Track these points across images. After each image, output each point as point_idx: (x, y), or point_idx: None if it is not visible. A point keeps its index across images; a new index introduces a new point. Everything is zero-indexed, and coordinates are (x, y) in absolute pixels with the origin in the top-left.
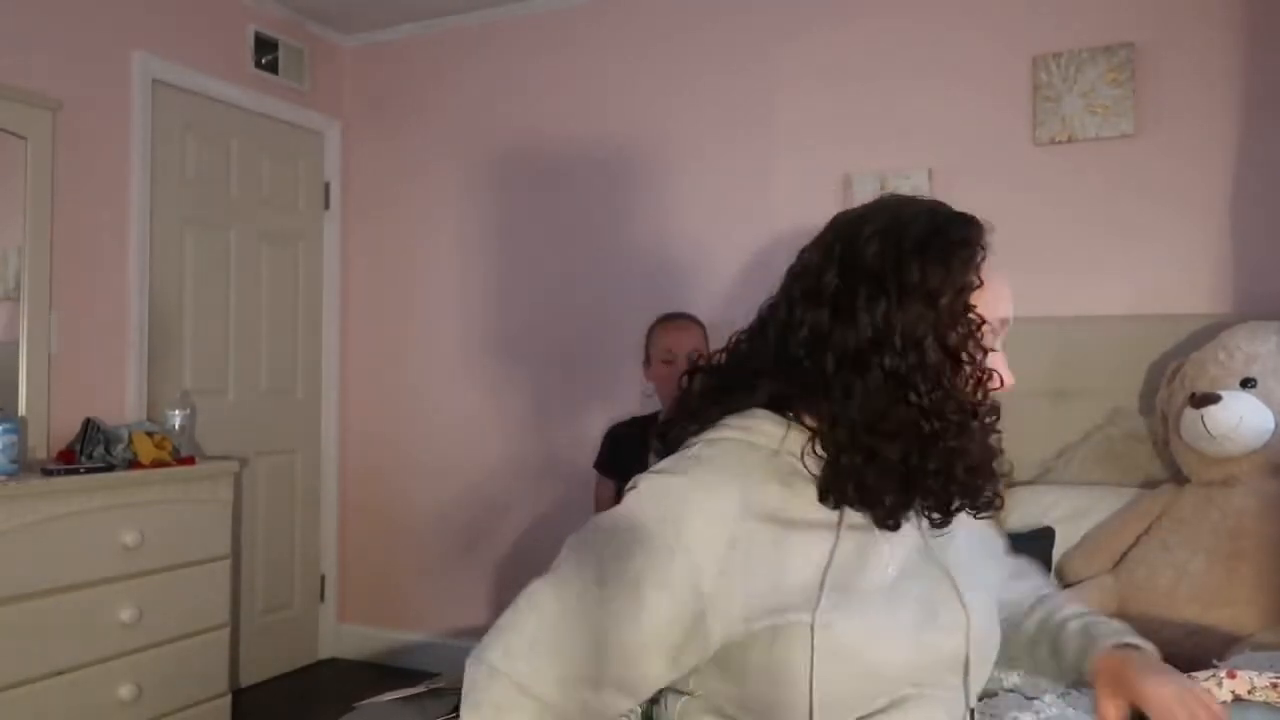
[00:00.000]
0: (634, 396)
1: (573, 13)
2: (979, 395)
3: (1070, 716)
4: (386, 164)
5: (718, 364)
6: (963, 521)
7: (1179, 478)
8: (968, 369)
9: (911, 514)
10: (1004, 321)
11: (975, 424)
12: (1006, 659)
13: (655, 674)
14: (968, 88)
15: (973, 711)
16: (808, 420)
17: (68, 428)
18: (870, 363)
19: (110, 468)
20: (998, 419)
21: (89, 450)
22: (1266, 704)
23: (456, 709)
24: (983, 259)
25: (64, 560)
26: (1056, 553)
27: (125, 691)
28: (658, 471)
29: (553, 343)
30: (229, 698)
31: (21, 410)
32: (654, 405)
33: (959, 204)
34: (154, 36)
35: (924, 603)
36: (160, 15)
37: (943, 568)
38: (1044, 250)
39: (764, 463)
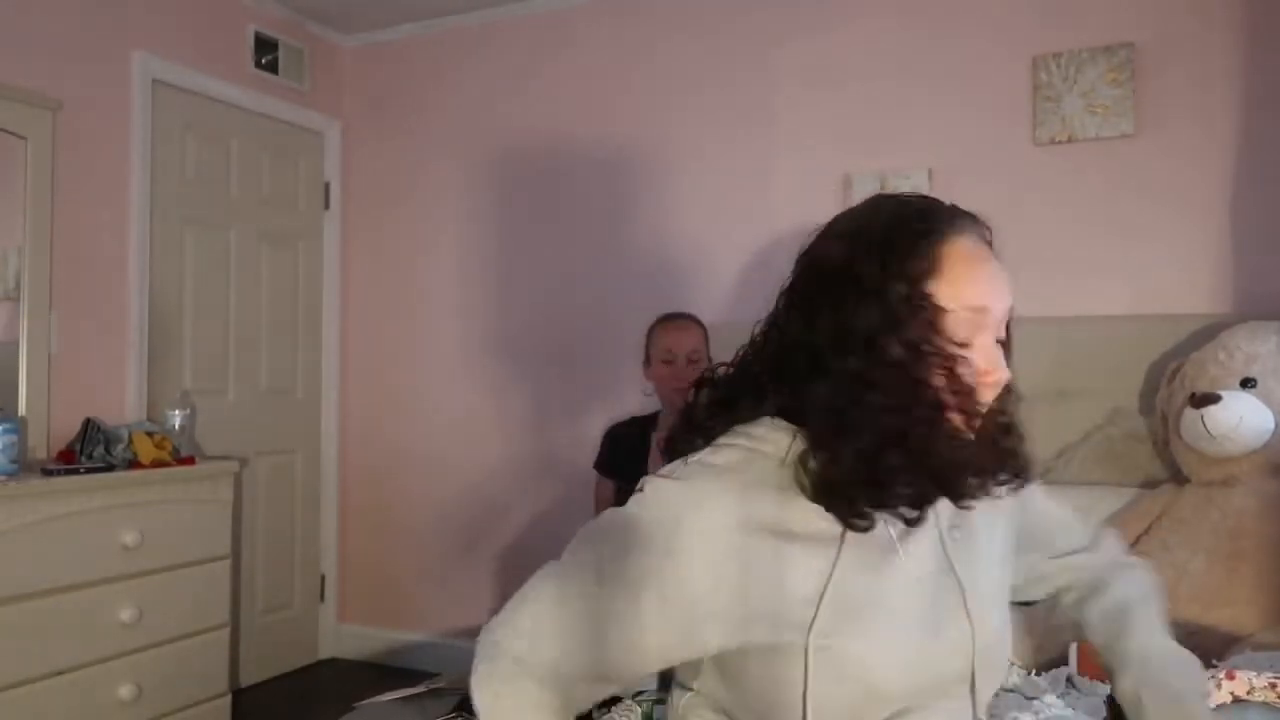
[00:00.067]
0: (634, 396)
1: (573, 13)
2: (956, 388)
3: (1070, 717)
4: (386, 164)
5: (724, 376)
6: (990, 513)
7: (1179, 478)
8: (933, 362)
9: (931, 515)
10: (979, 310)
11: (955, 417)
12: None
13: (646, 669)
14: (968, 88)
15: None
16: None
17: (68, 428)
18: (831, 365)
19: (110, 468)
20: (985, 409)
21: (89, 450)
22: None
23: (456, 709)
24: (940, 244)
25: (64, 560)
26: None
27: (125, 691)
28: (662, 475)
29: (553, 343)
30: (229, 698)
31: (21, 410)
32: (654, 405)
33: (959, 204)
34: (154, 36)
35: (929, 619)
36: (160, 15)
37: (955, 576)
38: (1044, 250)
39: (769, 471)
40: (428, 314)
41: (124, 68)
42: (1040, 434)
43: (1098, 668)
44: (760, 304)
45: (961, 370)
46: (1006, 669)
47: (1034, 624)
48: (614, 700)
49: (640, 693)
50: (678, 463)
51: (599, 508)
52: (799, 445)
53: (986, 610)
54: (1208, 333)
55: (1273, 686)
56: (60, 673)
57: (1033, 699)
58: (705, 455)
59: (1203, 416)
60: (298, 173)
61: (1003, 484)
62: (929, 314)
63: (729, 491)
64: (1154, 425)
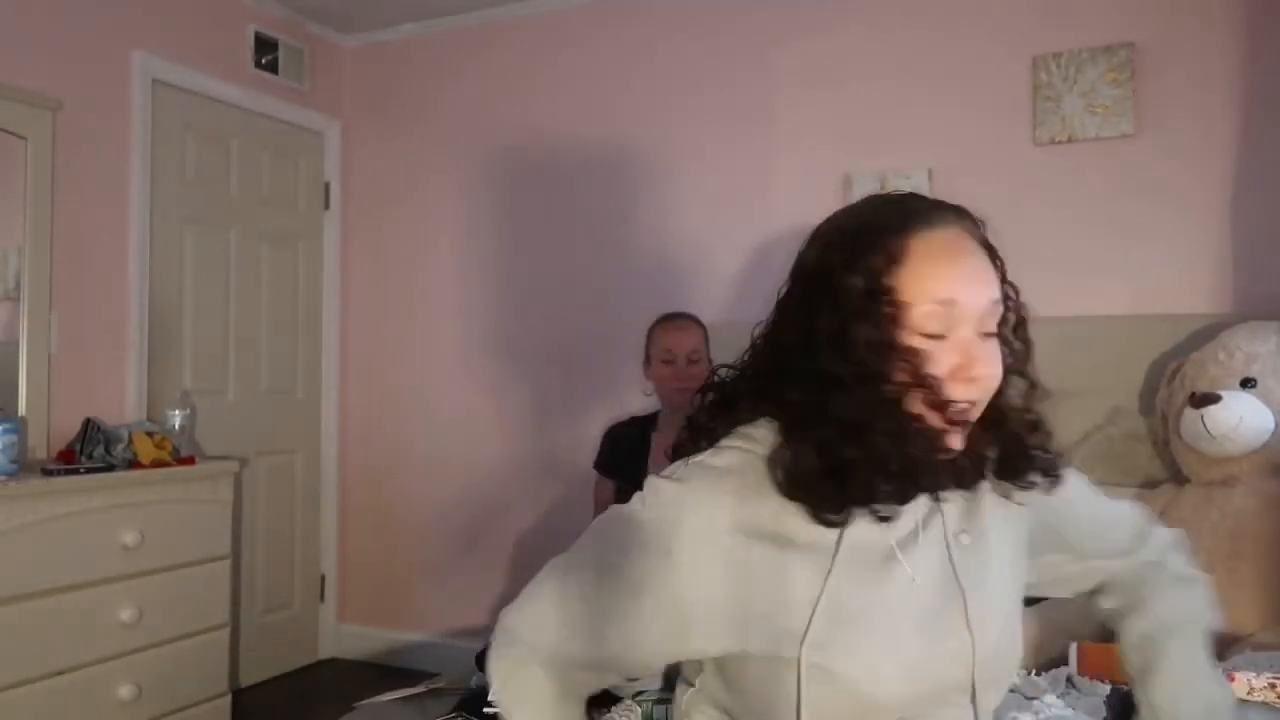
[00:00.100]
0: (634, 396)
1: (573, 13)
2: (920, 383)
3: (1070, 717)
4: (386, 164)
5: (727, 378)
6: (1007, 515)
7: (1179, 478)
8: (892, 356)
9: (937, 520)
10: (946, 302)
11: (927, 414)
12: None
13: (645, 663)
14: (968, 88)
15: None
16: None
17: (68, 428)
18: (799, 365)
19: (110, 468)
20: (967, 407)
21: (89, 450)
22: (1265, 704)
23: (456, 709)
24: (907, 238)
25: (64, 560)
26: None
27: (125, 691)
28: (663, 475)
29: (553, 343)
30: (229, 698)
31: (21, 410)
32: (654, 405)
33: (959, 204)
34: (154, 36)
35: (927, 628)
36: (160, 15)
37: (958, 584)
38: (1044, 250)
39: (766, 473)
40: (428, 314)
41: (124, 68)
42: None
43: (1098, 668)
44: (760, 304)
45: (925, 365)
46: (1013, 677)
47: (1033, 623)
48: (614, 700)
49: (640, 693)
50: (679, 463)
51: (598, 508)
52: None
53: (990, 619)
54: (1208, 333)
55: (1272, 687)
56: (60, 673)
57: (1033, 699)
58: (706, 457)
59: (1203, 416)
60: (297, 173)
61: (1029, 485)
62: (889, 308)
63: (727, 494)
64: (1154, 425)
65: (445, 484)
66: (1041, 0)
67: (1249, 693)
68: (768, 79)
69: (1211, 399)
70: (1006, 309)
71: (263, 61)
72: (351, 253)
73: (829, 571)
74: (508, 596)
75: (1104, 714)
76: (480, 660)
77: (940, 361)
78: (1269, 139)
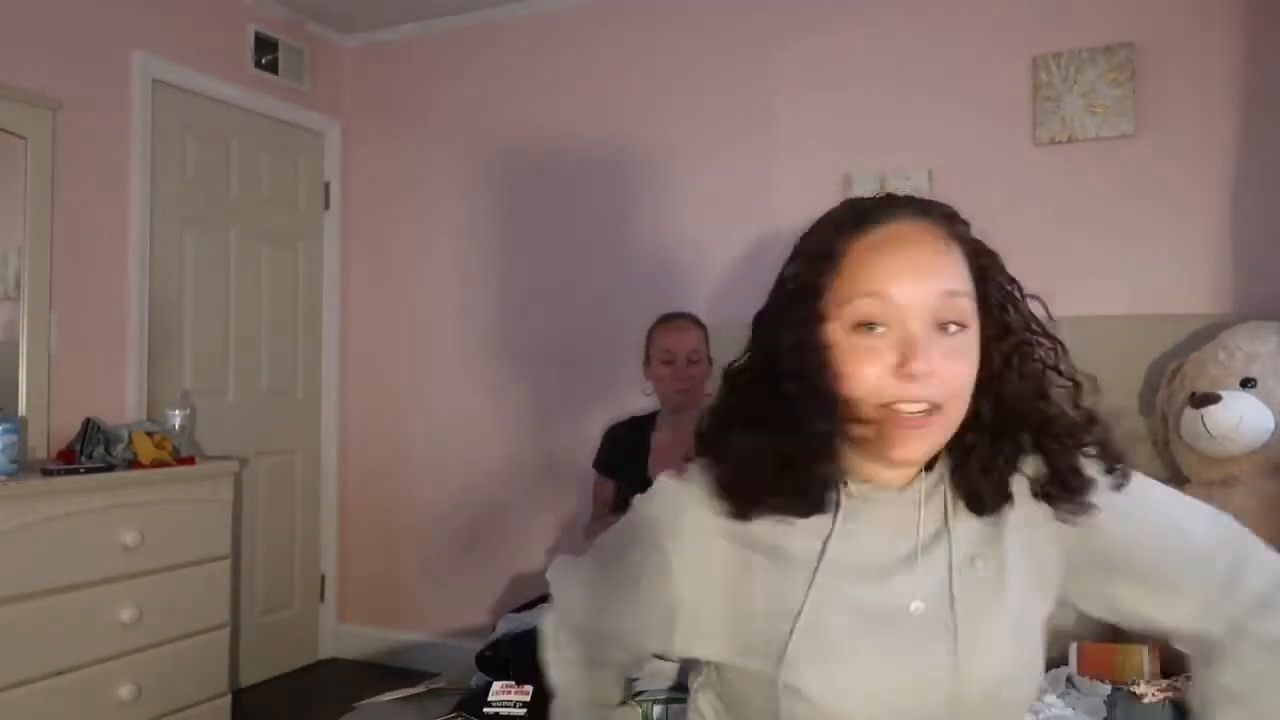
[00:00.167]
0: (634, 396)
1: (573, 13)
2: (835, 381)
3: (1070, 717)
4: (386, 164)
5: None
6: (1037, 538)
7: (1179, 478)
8: (810, 356)
9: (944, 542)
10: (874, 295)
11: (876, 419)
12: None
13: (639, 648)
14: (968, 88)
15: None
16: None
17: (68, 428)
18: (747, 368)
19: (110, 468)
20: (922, 405)
21: (89, 450)
22: None
23: (457, 709)
24: (850, 238)
25: (64, 560)
26: None
27: (125, 691)
28: (671, 474)
29: (553, 343)
30: (229, 698)
31: (21, 410)
32: (654, 405)
33: (959, 204)
34: (154, 36)
35: (907, 659)
36: (160, 15)
37: (952, 615)
38: (1044, 250)
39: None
40: (428, 314)
41: (124, 68)
42: None
43: (1098, 668)
44: (760, 304)
45: (845, 363)
46: (1021, 713)
47: None
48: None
49: (640, 693)
50: (694, 463)
51: (598, 507)
52: None
53: (988, 654)
54: (1208, 333)
55: None
56: (60, 673)
57: None
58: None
59: (1203, 416)
60: (298, 173)
61: (1059, 504)
62: (808, 306)
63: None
64: (1154, 425)
65: (445, 484)
66: (1041, 0)
67: None
68: (768, 79)
69: (1211, 399)
70: (992, 303)
71: (263, 61)
72: (351, 253)
73: (810, 586)
74: (508, 596)
75: (1104, 714)
76: (480, 660)
77: (880, 359)
78: (1269, 139)
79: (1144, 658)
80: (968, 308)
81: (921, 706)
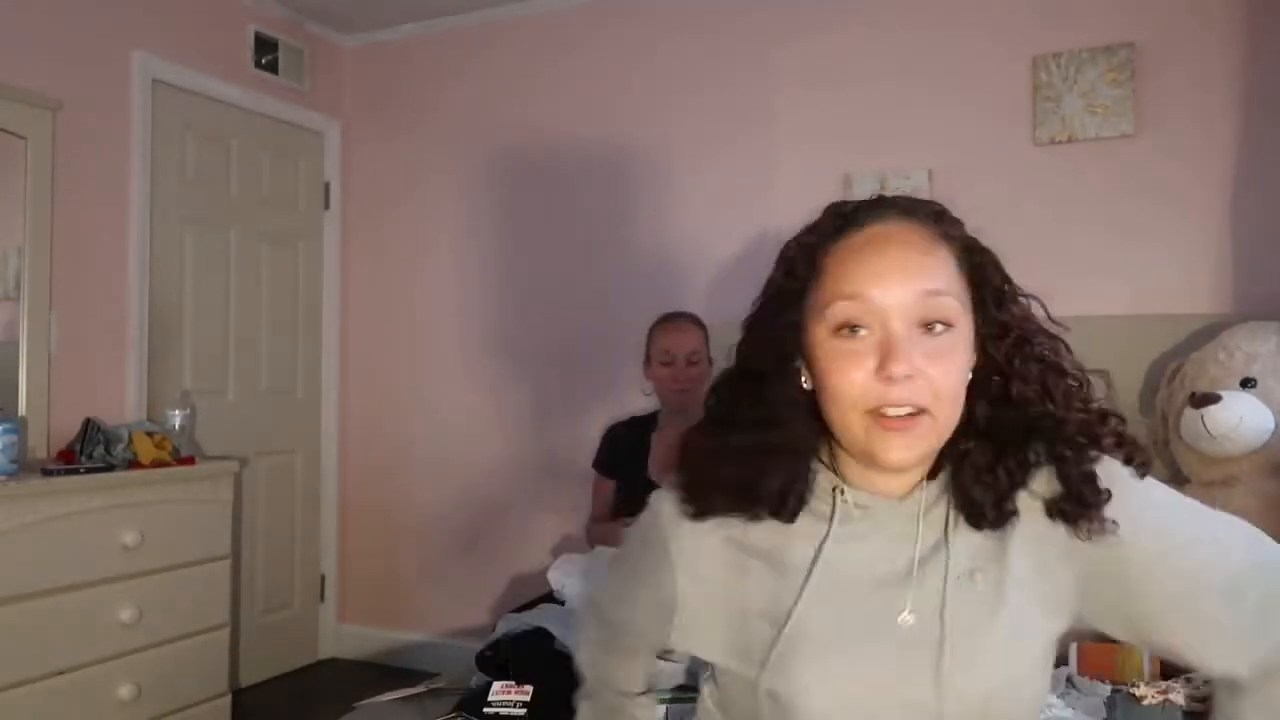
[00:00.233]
0: (634, 396)
1: (573, 13)
2: (849, 397)
3: (1070, 717)
4: (386, 164)
5: None
6: (1048, 555)
7: (1179, 478)
8: (801, 363)
9: (941, 555)
10: (852, 297)
11: (859, 423)
12: None
13: (651, 641)
14: (968, 88)
15: None
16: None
17: (68, 428)
18: (729, 374)
19: (110, 468)
20: (910, 408)
21: (89, 450)
22: None
23: (456, 709)
24: (831, 243)
25: (64, 560)
26: None
27: (125, 691)
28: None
29: (553, 343)
30: (229, 698)
31: (21, 410)
32: (654, 405)
33: (959, 204)
34: (154, 36)
35: (888, 673)
36: (160, 15)
37: (940, 629)
38: (1044, 250)
39: None
40: (428, 314)
41: (124, 68)
42: None
43: (1098, 668)
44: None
45: (825, 365)
46: None
47: None
48: None
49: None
50: None
51: (598, 508)
52: None
53: (977, 673)
54: (1208, 333)
55: None
56: (60, 673)
57: None
58: None
59: (1203, 416)
60: (298, 173)
61: (1074, 521)
62: (795, 310)
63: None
64: (1154, 425)
65: (445, 484)
66: (1041, 0)
67: None
68: (768, 79)
69: (1211, 399)
70: (988, 302)
71: (263, 61)
72: (351, 253)
73: (801, 591)
74: (508, 596)
75: (1104, 714)
76: (480, 660)
77: (863, 362)
78: (1269, 139)
79: (1144, 659)
80: (953, 307)
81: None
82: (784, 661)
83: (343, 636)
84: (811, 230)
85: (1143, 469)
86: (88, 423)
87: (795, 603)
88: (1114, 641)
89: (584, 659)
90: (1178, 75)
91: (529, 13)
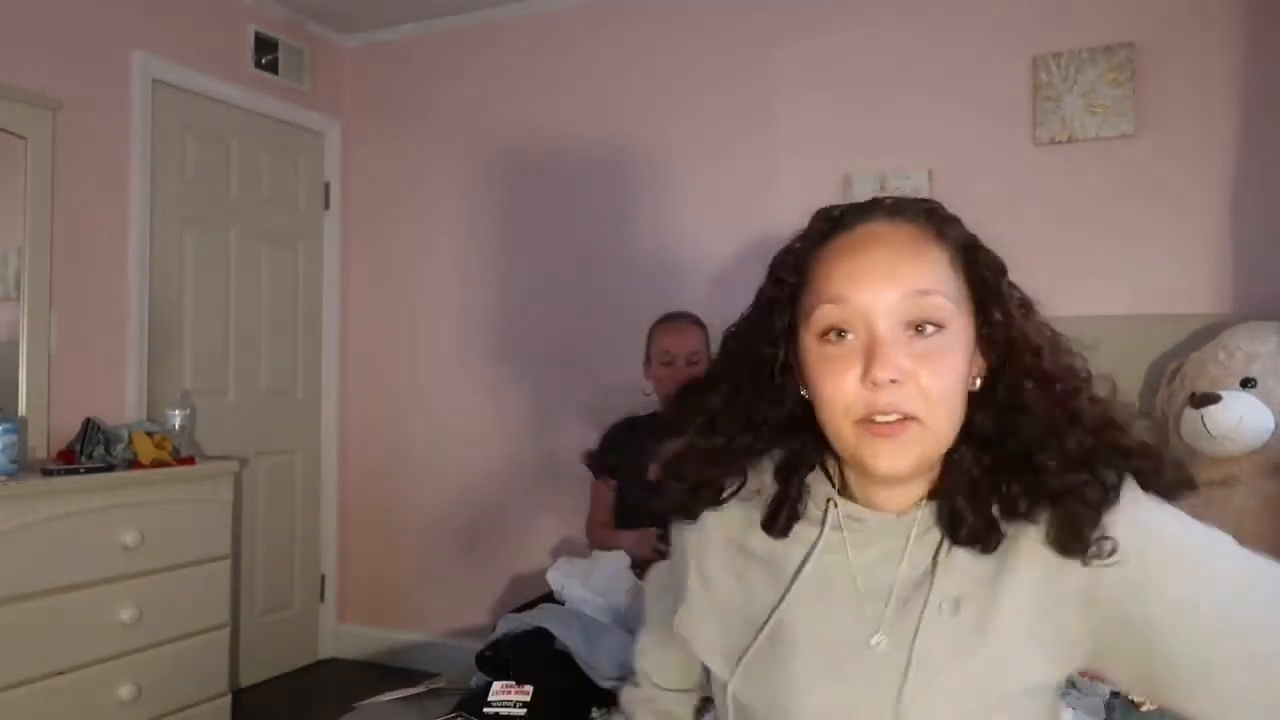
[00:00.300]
0: (634, 396)
1: (573, 13)
2: (836, 407)
3: (1070, 717)
4: (386, 164)
5: None
6: (1050, 587)
7: None
8: (769, 367)
9: (925, 579)
10: (837, 299)
11: (848, 431)
12: None
13: (677, 658)
14: (968, 88)
15: None
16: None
17: (68, 428)
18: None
19: (110, 468)
20: (896, 416)
21: (89, 450)
22: None
23: (456, 709)
24: (815, 247)
25: (64, 560)
26: None
27: (125, 691)
28: None
29: (553, 343)
30: (229, 698)
31: (21, 410)
32: (653, 404)
33: (959, 204)
34: (154, 36)
35: (849, 695)
36: (160, 15)
37: (909, 655)
38: (1044, 250)
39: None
40: (428, 314)
41: (124, 68)
42: None
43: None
44: None
45: (813, 371)
46: None
47: None
48: (615, 700)
49: None
50: None
51: (598, 511)
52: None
53: (934, 702)
54: (1208, 333)
55: None
56: (60, 673)
57: None
58: None
59: (1203, 416)
60: (298, 173)
61: (1060, 545)
62: (781, 318)
63: (741, 503)
64: (1154, 425)
65: (445, 484)
66: (1041, 0)
67: None
68: (768, 79)
69: (1211, 399)
70: (987, 302)
71: (263, 61)
72: (351, 253)
73: (782, 598)
74: (508, 596)
75: (1104, 714)
76: (480, 660)
77: (849, 367)
78: (1269, 139)
79: None
80: (945, 307)
81: None
82: (754, 665)
83: (343, 636)
84: (800, 238)
85: (1168, 493)
86: (88, 423)
87: (776, 606)
88: None
89: (636, 647)
90: (1178, 75)
91: (529, 13)
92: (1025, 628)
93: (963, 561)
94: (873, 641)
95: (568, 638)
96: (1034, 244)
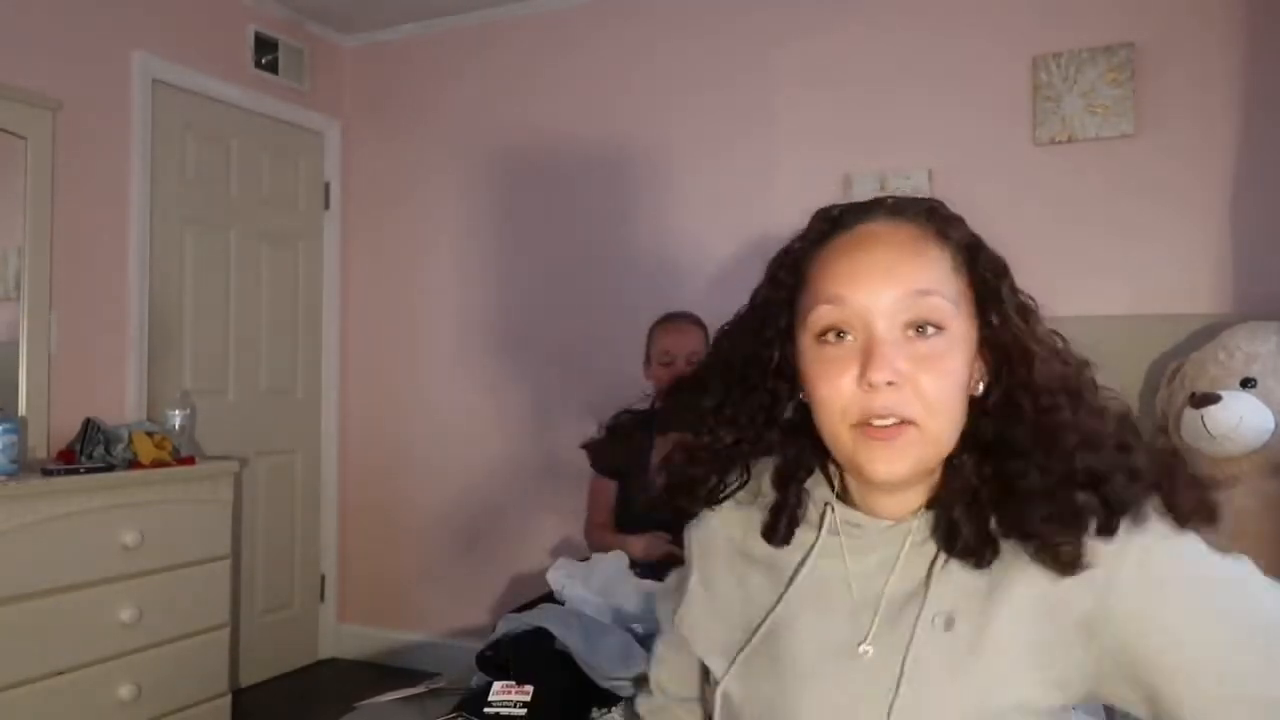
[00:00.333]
0: (634, 397)
1: (573, 13)
2: (831, 410)
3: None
4: (386, 164)
5: None
6: (1050, 604)
7: None
8: (765, 371)
9: (918, 593)
10: (834, 300)
11: (845, 435)
12: None
13: (687, 666)
14: (968, 88)
15: None
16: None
17: (68, 428)
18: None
19: (110, 468)
20: (894, 419)
21: (89, 450)
22: None
23: (456, 709)
24: (814, 247)
25: (64, 560)
26: None
27: (125, 691)
28: None
29: (553, 343)
30: (229, 698)
31: (21, 410)
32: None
33: (959, 204)
34: (154, 36)
35: (844, 699)
36: (160, 15)
37: (900, 669)
38: (1044, 250)
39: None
40: (428, 314)
41: (124, 68)
42: None
43: None
44: None
45: (811, 372)
46: None
47: None
48: (614, 700)
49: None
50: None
51: (598, 513)
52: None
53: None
54: (1208, 333)
55: None
56: (60, 673)
57: None
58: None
59: (1203, 416)
60: (298, 173)
61: (1046, 556)
62: (777, 320)
63: (743, 506)
64: (1154, 426)
65: (445, 484)
66: (1041, 0)
67: None
68: (768, 79)
69: (1211, 399)
70: (987, 304)
71: (263, 61)
72: (351, 253)
73: (778, 601)
74: (508, 596)
75: (1103, 714)
76: (480, 660)
77: (846, 369)
78: (1269, 139)
79: None
80: (945, 308)
81: None
82: (748, 668)
83: (343, 636)
84: (799, 238)
85: (1187, 520)
86: (88, 423)
87: (772, 608)
88: None
89: (652, 655)
90: (1178, 75)
91: (529, 13)
92: (1021, 647)
93: (958, 574)
94: (860, 650)
95: (568, 638)
96: (1034, 244)
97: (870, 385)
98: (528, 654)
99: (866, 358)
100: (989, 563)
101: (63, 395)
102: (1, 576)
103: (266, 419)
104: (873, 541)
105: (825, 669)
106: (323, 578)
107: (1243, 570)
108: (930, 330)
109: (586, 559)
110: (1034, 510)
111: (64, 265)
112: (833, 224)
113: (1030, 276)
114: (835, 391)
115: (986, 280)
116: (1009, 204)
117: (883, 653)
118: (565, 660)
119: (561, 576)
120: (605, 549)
